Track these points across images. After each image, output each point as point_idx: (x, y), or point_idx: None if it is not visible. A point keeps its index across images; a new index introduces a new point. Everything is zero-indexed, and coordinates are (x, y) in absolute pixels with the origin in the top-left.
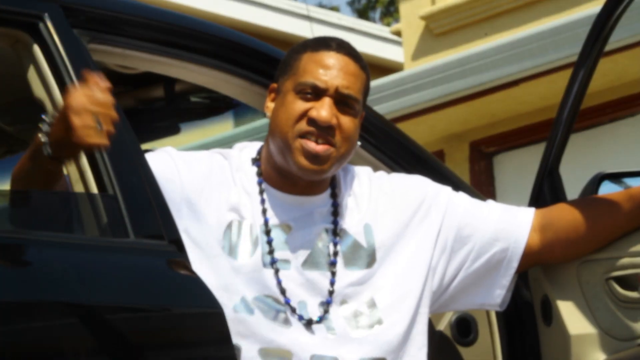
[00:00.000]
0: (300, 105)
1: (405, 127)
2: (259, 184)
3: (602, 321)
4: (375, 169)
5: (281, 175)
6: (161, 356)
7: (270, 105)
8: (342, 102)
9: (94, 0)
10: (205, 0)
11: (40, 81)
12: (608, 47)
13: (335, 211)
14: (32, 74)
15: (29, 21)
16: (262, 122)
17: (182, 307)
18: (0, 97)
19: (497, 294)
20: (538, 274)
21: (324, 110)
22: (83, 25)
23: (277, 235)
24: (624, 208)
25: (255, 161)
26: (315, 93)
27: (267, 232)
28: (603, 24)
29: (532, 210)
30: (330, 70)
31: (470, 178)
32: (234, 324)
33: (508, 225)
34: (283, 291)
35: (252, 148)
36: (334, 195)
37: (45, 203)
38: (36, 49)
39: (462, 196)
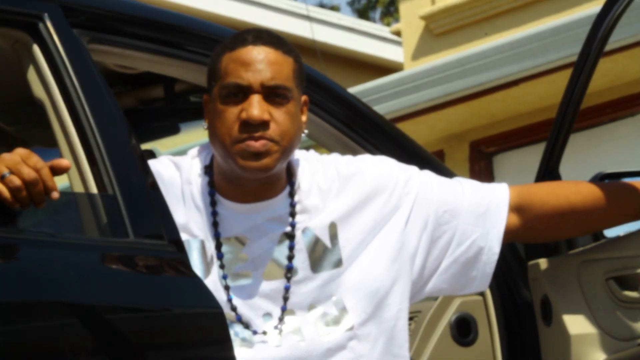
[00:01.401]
0: (231, 111)
1: (405, 127)
2: (211, 195)
3: (602, 321)
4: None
5: (232, 184)
6: (161, 356)
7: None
8: (272, 94)
9: (94, 0)
10: (205, 0)
11: (40, 81)
12: (608, 47)
13: (294, 212)
14: (32, 74)
15: (28, 21)
16: None
17: (182, 307)
18: (0, 97)
19: (484, 282)
20: (538, 274)
21: (253, 108)
22: (83, 25)
23: (233, 249)
24: (618, 201)
25: (208, 170)
26: (243, 93)
27: (220, 248)
28: (603, 24)
29: (506, 188)
30: (250, 66)
31: (470, 178)
32: None
33: (486, 209)
34: (235, 307)
35: (205, 154)
36: (293, 195)
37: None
38: (36, 49)
39: (432, 180)
